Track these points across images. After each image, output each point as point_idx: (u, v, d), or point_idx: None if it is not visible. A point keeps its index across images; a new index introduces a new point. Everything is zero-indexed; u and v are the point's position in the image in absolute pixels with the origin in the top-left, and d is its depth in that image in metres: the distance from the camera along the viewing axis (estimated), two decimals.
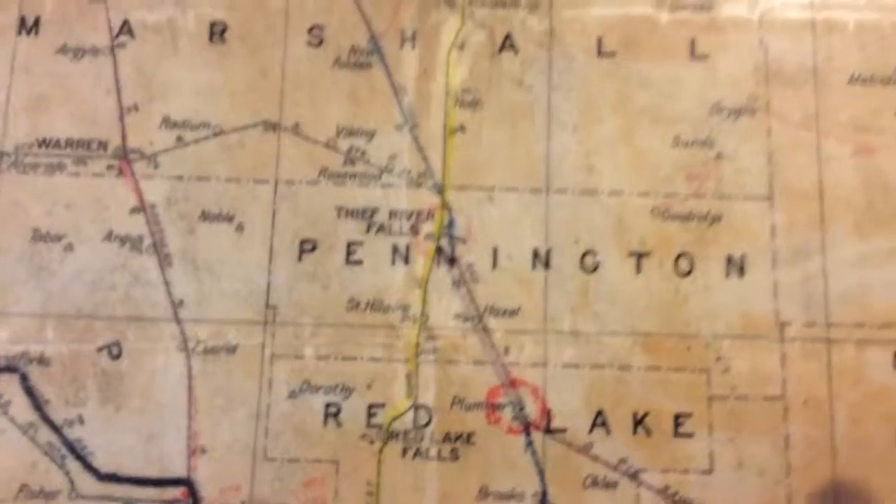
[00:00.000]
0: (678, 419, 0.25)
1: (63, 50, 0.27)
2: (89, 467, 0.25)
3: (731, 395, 0.26)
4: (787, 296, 0.26)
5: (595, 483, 0.25)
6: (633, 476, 0.25)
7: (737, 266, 0.26)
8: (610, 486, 0.25)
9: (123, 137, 0.27)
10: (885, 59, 0.27)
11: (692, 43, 0.27)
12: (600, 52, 0.27)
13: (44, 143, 0.27)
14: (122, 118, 0.27)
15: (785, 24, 0.27)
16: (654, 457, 0.25)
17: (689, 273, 0.26)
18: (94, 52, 0.27)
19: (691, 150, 0.27)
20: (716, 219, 0.26)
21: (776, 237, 0.26)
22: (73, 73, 0.27)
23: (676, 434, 0.25)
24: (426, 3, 0.28)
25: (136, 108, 0.27)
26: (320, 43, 0.27)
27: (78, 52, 0.27)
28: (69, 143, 0.27)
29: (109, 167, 0.27)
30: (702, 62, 0.27)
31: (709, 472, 0.25)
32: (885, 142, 0.27)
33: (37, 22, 0.27)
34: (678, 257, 0.26)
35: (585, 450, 0.25)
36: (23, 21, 0.27)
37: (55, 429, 0.26)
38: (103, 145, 0.27)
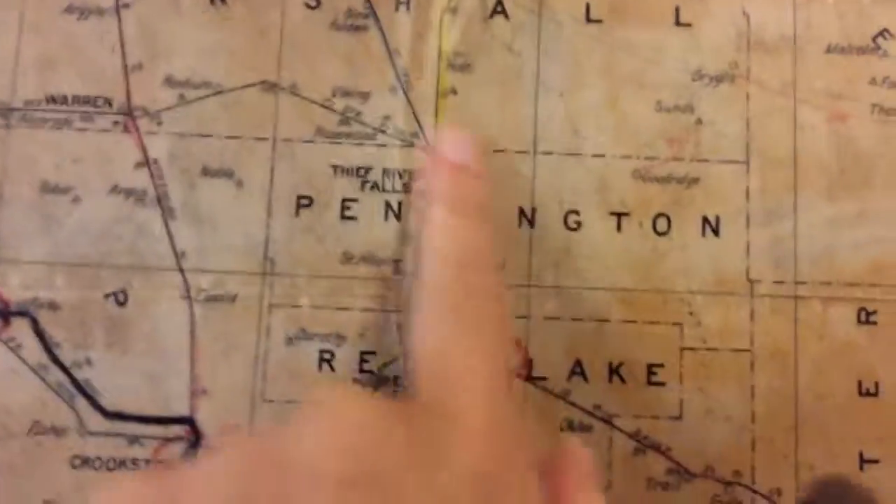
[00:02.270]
0: (651, 369, 0.27)
1: (69, 9, 0.28)
2: (97, 406, 0.27)
3: (701, 348, 0.27)
4: (758, 255, 0.27)
5: (571, 426, 0.27)
6: (607, 421, 0.27)
7: (712, 226, 0.28)
8: (585, 429, 0.27)
9: (128, 95, 0.28)
10: (863, 29, 0.28)
11: (676, 10, 0.28)
12: (588, 19, 0.28)
13: (52, 99, 0.28)
14: (126, 77, 0.28)
15: None
16: (628, 403, 0.27)
17: (666, 232, 0.28)
18: (100, 11, 0.28)
19: (672, 116, 0.28)
20: (693, 181, 0.28)
21: (750, 199, 0.28)
22: (79, 32, 0.28)
23: (649, 383, 0.27)
24: None
25: (140, 66, 0.28)
26: (317, 5, 0.28)
27: (84, 12, 0.28)
28: (76, 99, 0.28)
29: (115, 123, 0.28)
30: (685, 29, 0.28)
31: (678, 418, 0.27)
32: (857, 109, 0.28)
33: None
34: (656, 217, 0.28)
35: (563, 396, 0.27)
36: None
37: (64, 370, 0.27)
38: (108, 102, 0.28)
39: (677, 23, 0.28)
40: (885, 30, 0.28)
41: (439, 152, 0.24)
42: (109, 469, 0.27)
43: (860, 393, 0.27)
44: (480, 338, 0.20)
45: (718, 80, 0.28)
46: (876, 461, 0.26)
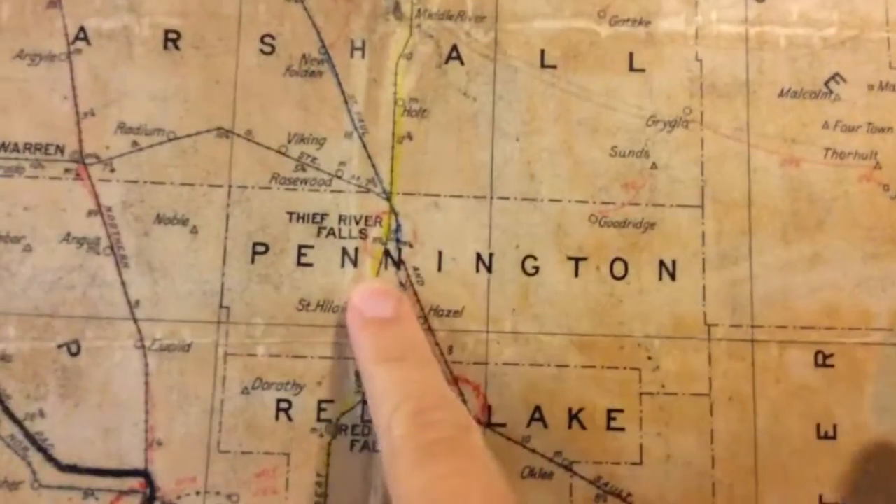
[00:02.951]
0: (611, 414, 0.27)
1: (20, 55, 0.28)
2: (51, 459, 0.27)
3: (660, 392, 0.27)
4: (714, 299, 0.27)
5: (532, 473, 0.27)
6: (568, 467, 0.27)
7: (668, 271, 0.28)
8: (546, 476, 0.27)
9: (80, 142, 0.28)
10: (814, 74, 0.28)
11: (630, 56, 0.28)
12: (543, 64, 0.28)
13: (3, 146, 0.28)
14: (78, 123, 0.28)
15: (720, 38, 0.29)
16: (588, 449, 0.27)
17: (623, 277, 0.28)
18: (51, 57, 0.28)
19: (628, 161, 0.28)
20: (650, 226, 0.28)
21: (706, 243, 0.28)
22: (30, 79, 0.28)
23: (609, 428, 0.27)
24: (375, 14, 0.28)
25: (92, 113, 0.28)
26: (272, 51, 0.28)
27: (35, 58, 0.28)
28: (27, 146, 0.28)
29: (67, 171, 0.28)
30: (639, 75, 0.28)
31: (639, 463, 0.27)
32: (811, 153, 0.28)
33: None
34: (613, 262, 0.28)
35: (523, 443, 0.27)
36: None
37: (17, 422, 0.27)
38: (60, 149, 0.28)
39: (631, 69, 0.28)
40: (837, 74, 0.28)
41: (357, 311, 0.25)
42: None
43: (818, 436, 0.27)
44: (459, 468, 0.21)
45: (672, 125, 0.28)
46: None
